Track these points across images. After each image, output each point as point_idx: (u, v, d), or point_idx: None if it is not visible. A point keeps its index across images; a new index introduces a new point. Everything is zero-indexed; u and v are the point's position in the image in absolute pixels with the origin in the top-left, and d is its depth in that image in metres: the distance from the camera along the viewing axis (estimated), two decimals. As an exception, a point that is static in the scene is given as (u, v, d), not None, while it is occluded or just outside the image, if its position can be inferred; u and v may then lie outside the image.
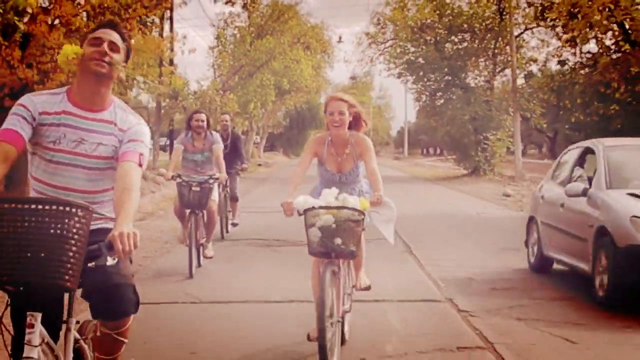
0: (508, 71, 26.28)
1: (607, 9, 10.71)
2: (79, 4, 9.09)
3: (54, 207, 2.16)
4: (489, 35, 25.15)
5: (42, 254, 2.11)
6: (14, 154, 2.55)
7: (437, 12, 25.69)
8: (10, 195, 7.56)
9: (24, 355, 2.19)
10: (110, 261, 2.27)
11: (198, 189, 6.76)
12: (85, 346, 2.73)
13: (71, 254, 2.16)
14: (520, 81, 26.09)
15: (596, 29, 11.26)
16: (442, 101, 27.04)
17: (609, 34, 11.81)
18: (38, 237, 2.12)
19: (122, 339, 2.72)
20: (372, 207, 4.10)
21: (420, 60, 26.40)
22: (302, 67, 30.42)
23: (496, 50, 25.44)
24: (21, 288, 2.20)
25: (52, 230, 2.14)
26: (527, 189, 19.96)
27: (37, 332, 2.23)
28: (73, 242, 2.17)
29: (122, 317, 2.64)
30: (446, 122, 26.26)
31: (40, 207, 2.15)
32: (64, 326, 2.52)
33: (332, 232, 3.81)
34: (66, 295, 2.51)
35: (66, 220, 2.15)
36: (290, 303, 5.46)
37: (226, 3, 26.39)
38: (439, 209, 14.24)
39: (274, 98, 31.79)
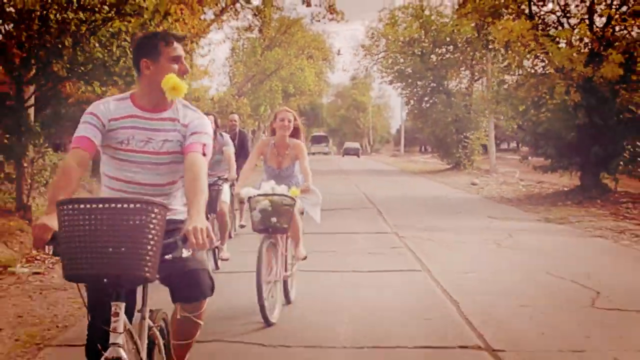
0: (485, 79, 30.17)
1: (528, 45, 14.66)
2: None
3: (135, 205, 2.29)
4: (468, 48, 28.95)
5: (123, 249, 2.25)
6: (88, 158, 2.74)
7: (423, 28, 29.60)
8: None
9: (111, 341, 2.34)
10: (185, 253, 2.44)
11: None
12: (157, 332, 2.82)
13: (150, 247, 2.30)
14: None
15: (525, 58, 15.20)
16: (428, 105, 30.74)
17: (538, 60, 15.80)
18: (121, 233, 2.26)
19: (199, 321, 2.90)
20: (302, 194, 5.17)
21: (409, 70, 30.27)
22: (306, 74, 34.38)
23: (474, 62, 29.28)
24: (105, 280, 2.31)
25: (133, 227, 2.28)
26: (495, 180, 23.91)
27: (121, 320, 2.37)
28: (151, 236, 2.29)
29: (199, 299, 2.82)
30: (431, 123, 30.07)
31: (122, 205, 2.28)
32: (137, 314, 2.66)
33: (269, 214, 4.79)
34: (140, 287, 2.62)
35: (145, 217, 2.28)
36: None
37: (246, 30, 30.32)
38: (415, 193, 17.75)
39: (281, 101, 35.73)
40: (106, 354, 2.33)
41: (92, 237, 2.26)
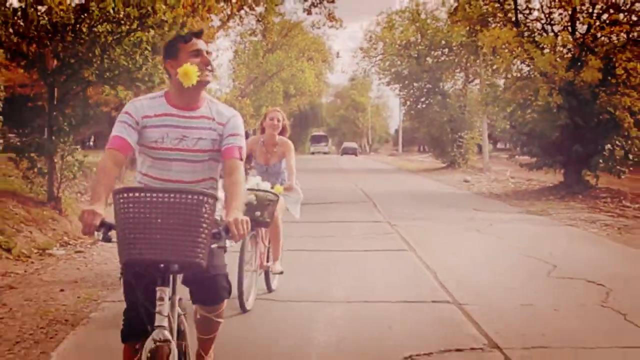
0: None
1: (514, 51, 15.79)
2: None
3: (191, 196, 2.41)
4: (462, 51, 30.07)
5: (180, 237, 2.38)
6: (124, 158, 2.82)
7: (419, 32, 30.76)
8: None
9: (157, 324, 2.48)
10: (228, 243, 2.59)
11: None
12: (185, 320, 2.88)
13: (204, 236, 2.44)
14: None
15: (511, 63, 16.34)
16: (424, 106, 31.93)
17: (523, 65, 16.95)
18: (178, 222, 2.38)
19: (219, 319, 3.04)
20: (285, 191, 5.45)
21: (406, 71, 31.43)
22: (306, 75, 35.49)
23: (468, 64, 30.41)
24: (161, 265, 2.46)
25: (188, 216, 2.40)
26: (487, 178, 25.02)
27: (166, 305, 2.52)
28: (205, 225, 2.43)
29: (217, 303, 2.98)
30: (427, 123, 31.20)
31: (179, 195, 2.41)
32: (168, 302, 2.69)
33: (253, 207, 4.93)
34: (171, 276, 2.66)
35: (199, 207, 2.41)
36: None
37: (249, 35, 31.50)
38: (409, 189, 18.75)
39: (282, 102, 36.82)
40: (153, 336, 2.47)
41: (150, 224, 2.39)
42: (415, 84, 31.76)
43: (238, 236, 2.55)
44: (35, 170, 10.64)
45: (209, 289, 2.91)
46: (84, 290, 5.87)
